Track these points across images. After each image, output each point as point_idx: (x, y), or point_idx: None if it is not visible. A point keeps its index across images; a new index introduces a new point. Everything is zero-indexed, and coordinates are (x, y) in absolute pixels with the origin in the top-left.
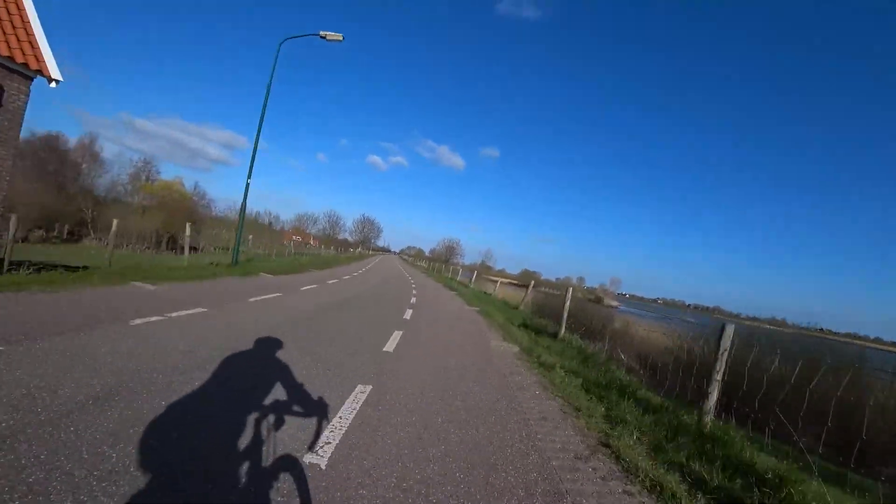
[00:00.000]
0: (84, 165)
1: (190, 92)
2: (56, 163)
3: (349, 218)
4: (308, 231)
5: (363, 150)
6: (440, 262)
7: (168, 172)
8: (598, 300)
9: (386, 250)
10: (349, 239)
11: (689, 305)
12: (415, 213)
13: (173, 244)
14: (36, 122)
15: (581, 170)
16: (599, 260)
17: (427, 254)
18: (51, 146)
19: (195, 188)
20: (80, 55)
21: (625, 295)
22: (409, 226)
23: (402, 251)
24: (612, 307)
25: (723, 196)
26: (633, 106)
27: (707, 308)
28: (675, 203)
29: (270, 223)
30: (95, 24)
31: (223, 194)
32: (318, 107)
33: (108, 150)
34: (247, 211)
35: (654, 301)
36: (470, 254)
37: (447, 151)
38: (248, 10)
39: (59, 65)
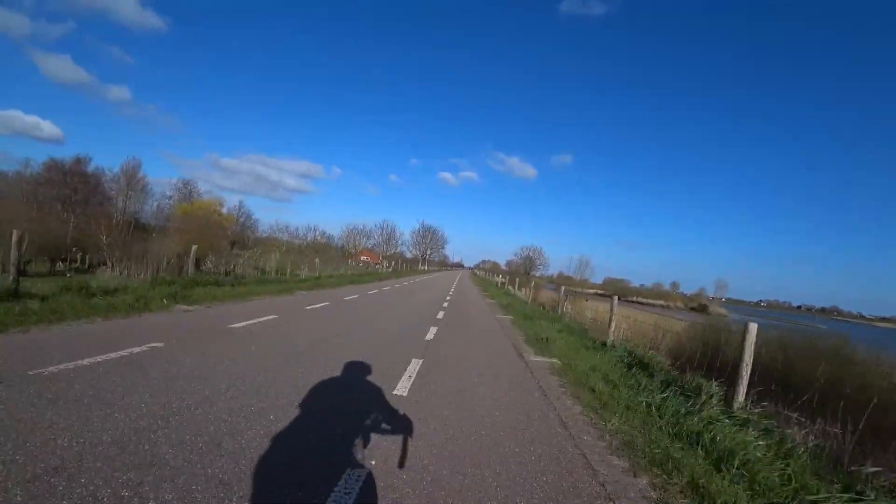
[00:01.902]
0: (130, 192)
1: (266, 127)
2: (85, 190)
3: (408, 229)
4: (361, 246)
5: (434, 168)
6: (520, 276)
7: (252, 205)
8: (703, 308)
9: (458, 265)
10: (418, 253)
11: (799, 307)
12: (488, 226)
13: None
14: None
15: (659, 168)
16: (689, 262)
17: (503, 266)
18: (75, 171)
19: (239, 208)
20: (172, 104)
21: (721, 299)
22: (483, 240)
23: (476, 266)
24: (721, 315)
25: (832, 179)
26: (716, 97)
27: (823, 310)
28: (773, 193)
29: (344, 246)
30: (183, 74)
31: (302, 222)
32: (388, 129)
33: (199, 188)
34: (293, 230)
35: (757, 304)
36: (554, 264)
37: (518, 162)
38: (316, 43)
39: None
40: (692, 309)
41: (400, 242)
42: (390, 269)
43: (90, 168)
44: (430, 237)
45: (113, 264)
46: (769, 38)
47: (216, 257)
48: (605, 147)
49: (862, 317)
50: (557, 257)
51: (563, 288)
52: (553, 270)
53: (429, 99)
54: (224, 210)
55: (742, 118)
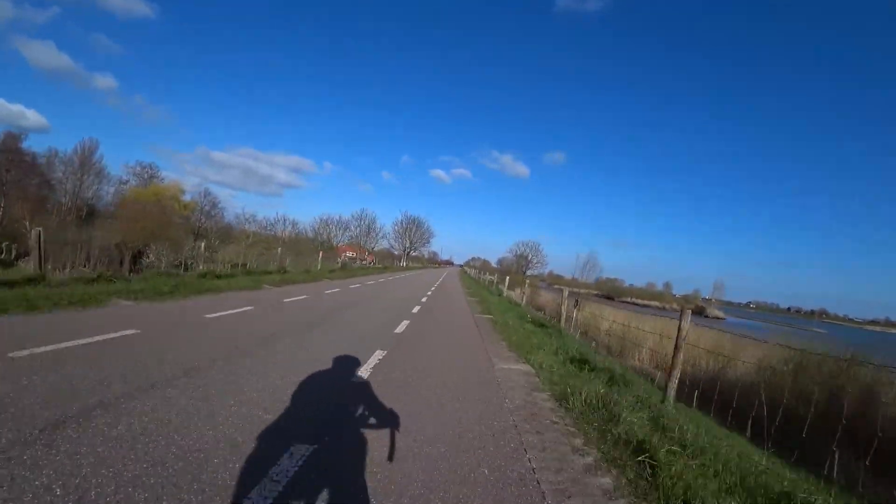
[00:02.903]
0: (84, 176)
1: (257, 120)
2: (19, 171)
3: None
4: (336, 241)
5: (426, 165)
6: (511, 275)
7: (243, 199)
8: (700, 310)
9: (448, 263)
10: (400, 248)
11: (788, 309)
12: (479, 224)
13: (138, 261)
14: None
15: (651, 167)
16: (679, 261)
17: (495, 265)
18: (7, 147)
19: (204, 195)
20: (161, 95)
21: (710, 300)
22: (474, 238)
23: (465, 263)
24: (718, 318)
25: (820, 181)
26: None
27: (812, 312)
28: (764, 195)
29: (317, 239)
30: (172, 65)
31: (292, 216)
32: (380, 125)
33: (189, 182)
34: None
35: (747, 306)
36: (553, 262)
37: (511, 160)
38: (309, 37)
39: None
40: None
41: (381, 235)
42: (339, 266)
43: (42, 148)
44: (413, 230)
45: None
46: (762, 38)
47: (172, 248)
48: (599, 145)
49: (850, 319)
50: (551, 255)
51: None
52: (552, 268)
53: (422, 96)
54: (188, 198)
55: (733, 120)
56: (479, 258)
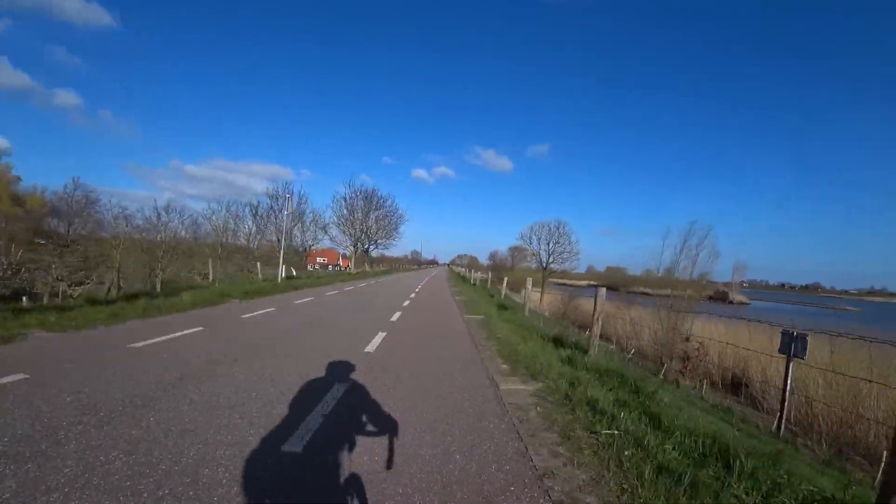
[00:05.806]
0: None
1: (229, 129)
2: None
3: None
4: (235, 239)
5: (407, 166)
6: (501, 272)
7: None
8: (723, 296)
9: (432, 263)
10: (348, 243)
11: (782, 285)
12: (466, 221)
13: None
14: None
15: (636, 152)
16: (658, 245)
17: (485, 262)
18: None
19: (74, 186)
20: (128, 109)
21: (732, 283)
22: (461, 235)
23: (451, 262)
24: (743, 304)
25: (805, 158)
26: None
27: (806, 287)
28: (748, 175)
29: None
30: (137, 77)
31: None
32: (357, 127)
33: (163, 197)
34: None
35: (740, 285)
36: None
37: (493, 155)
38: (283, 43)
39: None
40: (709, 298)
41: (320, 226)
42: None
43: None
44: (368, 210)
45: None
46: (748, 22)
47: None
48: (583, 135)
49: (846, 292)
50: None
51: None
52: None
53: (400, 94)
54: (47, 190)
55: (717, 102)
56: (465, 255)
